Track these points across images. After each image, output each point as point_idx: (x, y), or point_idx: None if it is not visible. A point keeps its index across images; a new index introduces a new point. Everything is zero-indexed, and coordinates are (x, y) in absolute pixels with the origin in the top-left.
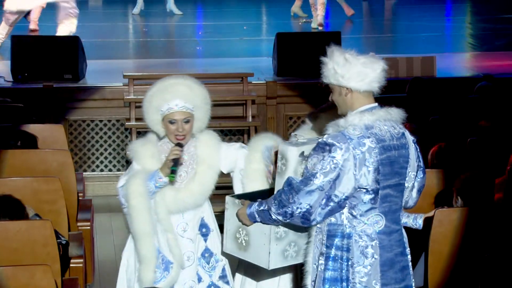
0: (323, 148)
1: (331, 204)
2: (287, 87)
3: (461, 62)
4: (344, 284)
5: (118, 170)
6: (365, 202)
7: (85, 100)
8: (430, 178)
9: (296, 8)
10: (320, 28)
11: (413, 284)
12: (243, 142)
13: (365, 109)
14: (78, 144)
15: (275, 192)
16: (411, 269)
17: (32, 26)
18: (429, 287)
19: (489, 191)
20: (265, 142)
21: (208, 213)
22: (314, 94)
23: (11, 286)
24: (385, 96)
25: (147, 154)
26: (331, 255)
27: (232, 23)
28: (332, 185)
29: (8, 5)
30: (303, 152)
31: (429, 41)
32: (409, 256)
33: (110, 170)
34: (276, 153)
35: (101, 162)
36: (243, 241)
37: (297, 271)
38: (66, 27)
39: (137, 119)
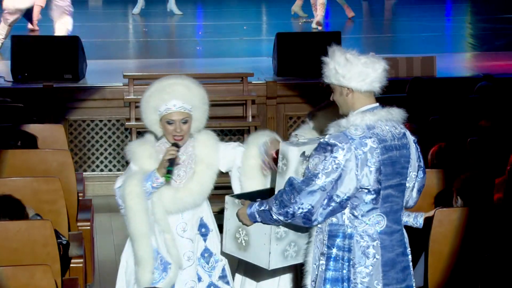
0: (324, 148)
1: (333, 204)
2: (287, 87)
3: (461, 62)
4: (345, 284)
5: (118, 170)
6: (366, 202)
7: (85, 100)
8: (430, 178)
9: (296, 7)
10: (319, 28)
11: (414, 284)
12: (243, 142)
13: (366, 109)
14: (78, 144)
15: (276, 192)
16: (411, 269)
17: (30, 25)
18: (429, 287)
19: (489, 191)
20: (261, 138)
21: (207, 213)
22: (314, 94)
23: (11, 286)
24: (385, 96)
25: (145, 154)
26: (332, 255)
27: (232, 23)
28: (334, 185)
29: (6, 4)
30: (304, 152)
31: (429, 41)
32: (410, 256)
33: (110, 170)
34: (273, 153)
35: (101, 162)
36: (243, 241)
37: (297, 271)
38: (64, 26)
39: (137, 119)
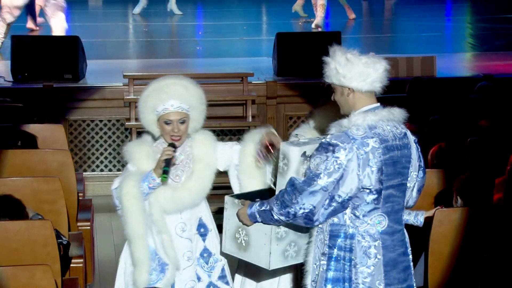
0: (326, 148)
1: (334, 204)
2: (287, 87)
3: (461, 62)
4: (347, 284)
5: (118, 170)
6: (368, 203)
7: (85, 100)
8: (430, 178)
9: (298, 6)
10: (319, 29)
11: (415, 284)
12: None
13: (368, 109)
14: (78, 144)
15: (276, 192)
16: (412, 269)
17: (30, 25)
18: (429, 287)
19: (489, 191)
20: (258, 136)
21: (206, 213)
22: (314, 94)
23: (11, 286)
24: (385, 96)
25: (142, 154)
26: (334, 256)
27: (232, 23)
28: (335, 186)
29: (4, 2)
30: (305, 152)
31: (429, 41)
32: (410, 256)
33: (110, 170)
34: (266, 141)
35: (101, 162)
36: (243, 241)
37: (297, 271)
38: (60, 23)
39: (137, 119)
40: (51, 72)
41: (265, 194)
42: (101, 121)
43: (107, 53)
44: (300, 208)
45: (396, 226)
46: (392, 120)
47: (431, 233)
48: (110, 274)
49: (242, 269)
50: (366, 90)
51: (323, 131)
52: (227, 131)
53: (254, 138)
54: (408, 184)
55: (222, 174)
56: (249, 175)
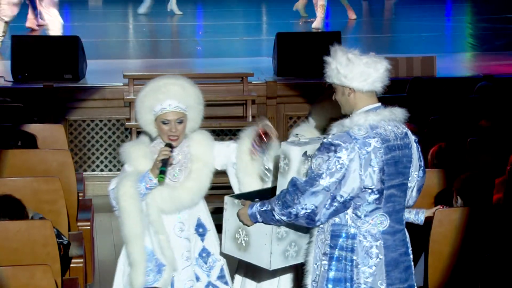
0: (328, 148)
1: (336, 204)
2: (287, 87)
3: (461, 62)
4: (348, 284)
5: (118, 170)
6: (370, 202)
7: (85, 100)
8: (430, 178)
9: (300, 5)
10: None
11: (415, 284)
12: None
13: (369, 109)
14: (78, 144)
15: (277, 192)
16: (413, 269)
17: (29, 24)
18: (429, 287)
19: (489, 191)
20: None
21: (204, 213)
22: (314, 94)
23: (11, 286)
24: (385, 96)
25: (139, 154)
26: (335, 256)
27: (232, 23)
28: (337, 186)
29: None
30: (305, 152)
31: (429, 41)
32: (411, 256)
33: (110, 170)
34: (260, 131)
35: (101, 162)
36: (243, 242)
37: (297, 271)
38: (56, 19)
39: None
40: (51, 72)
41: (265, 194)
42: (101, 121)
43: (107, 53)
44: (302, 208)
45: (398, 226)
46: (393, 120)
47: (431, 233)
48: (110, 274)
49: (242, 269)
50: (367, 90)
51: (322, 128)
52: (227, 131)
53: (250, 135)
54: (409, 184)
55: (221, 174)
56: (247, 172)
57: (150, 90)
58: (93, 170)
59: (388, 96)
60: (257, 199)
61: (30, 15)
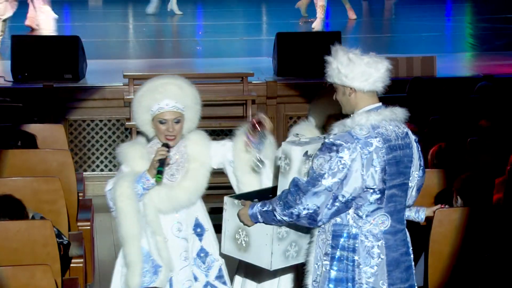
0: (330, 148)
1: (337, 204)
2: (287, 87)
3: (461, 62)
4: (350, 284)
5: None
6: (371, 202)
7: (85, 100)
8: (430, 178)
9: (302, 5)
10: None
11: (416, 284)
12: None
13: (370, 109)
14: (78, 144)
15: (278, 192)
16: (414, 268)
17: (28, 22)
18: (429, 287)
19: (489, 191)
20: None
21: (202, 213)
22: (314, 94)
23: (11, 286)
24: (385, 96)
25: (136, 155)
26: (337, 256)
27: (232, 23)
28: (339, 186)
29: None
30: (306, 152)
31: (429, 41)
32: (412, 256)
33: (110, 170)
34: (253, 120)
35: (101, 162)
36: (243, 242)
37: (298, 271)
38: (48, 16)
39: None
40: (51, 72)
41: (264, 194)
42: (101, 121)
43: (107, 53)
44: (304, 209)
45: (399, 226)
46: (394, 120)
47: (431, 233)
48: (110, 274)
49: (242, 270)
50: (368, 90)
51: (320, 126)
52: (227, 131)
53: (244, 130)
54: (409, 184)
55: (220, 174)
56: (245, 170)
57: (147, 90)
58: (93, 170)
59: (388, 96)
60: (256, 200)
61: (30, 14)
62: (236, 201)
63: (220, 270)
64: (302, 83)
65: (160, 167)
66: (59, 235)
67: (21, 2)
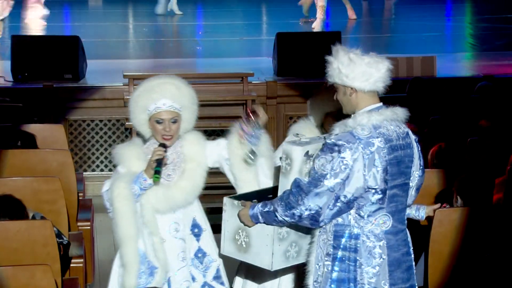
0: (332, 148)
1: (339, 204)
2: (287, 87)
3: (461, 62)
4: (352, 284)
5: None
6: (373, 203)
7: (85, 100)
8: (430, 178)
9: (305, 2)
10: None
11: (416, 284)
12: None
13: (371, 109)
14: (78, 144)
15: (279, 192)
16: (414, 268)
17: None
18: (429, 287)
19: (489, 191)
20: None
21: (199, 213)
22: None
23: (11, 286)
24: (385, 96)
25: (132, 155)
26: (338, 256)
27: (232, 23)
28: (341, 186)
29: None
30: (307, 152)
31: (429, 41)
32: (412, 256)
33: (110, 170)
34: (248, 109)
35: (101, 162)
36: (243, 243)
37: (298, 272)
38: (38, 11)
39: None
40: (51, 72)
41: (264, 194)
42: (101, 121)
43: (107, 53)
44: (306, 210)
45: (400, 226)
46: (395, 120)
47: (431, 233)
48: (110, 274)
49: (242, 271)
50: (368, 90)
51: (319, 123)
52: (227, 131)
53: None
54: (410, 184)
55: (219, 174)
56: (240, 167)
57: (144, 90)
58: (93, 170)
59: (388, 96)
60: (255, 200)
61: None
62: (236, 201)
63: (218, 270)
64: (302, 83)
65: (157, 167)
66: (59, 235)
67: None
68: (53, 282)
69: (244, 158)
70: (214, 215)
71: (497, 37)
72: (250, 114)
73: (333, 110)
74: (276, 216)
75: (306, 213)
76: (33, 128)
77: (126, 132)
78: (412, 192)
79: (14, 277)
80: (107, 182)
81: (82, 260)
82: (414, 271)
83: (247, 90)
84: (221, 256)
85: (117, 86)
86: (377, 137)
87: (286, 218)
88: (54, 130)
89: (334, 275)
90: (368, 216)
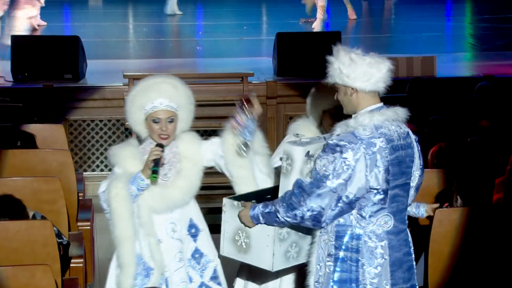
0: (333, 149)
1: (341, 205)
2: (287, 87)
3: (461, 62)
4: (354, 285)
5: None
6: (374, 203)
7: (85, 100)
8: (430, 178)
9: (309, 3)
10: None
11: (417, 284)
12: None
13: (372, 109)
14: (78, 144)
15: (280, 192)
16: (415, 268)
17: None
18: (429, 287)
19: (489, 191)
20: None
21: (196, 214)
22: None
23: (11, 286)
24: (385, 96)
25: (128, 155)
26: (340, 256)
27: (232, 23)
28: (343, 186)
29: None
30: (308, 152)
31: (429, 41)
32: (413, 256)
33: (110, 170)
34: (242, 98)
35: (101, 162)
36: (243, 244)
37: (299, 272)
38: (27, 11)
39: None
40: (51, 72)
41: (263, 195)
42: (101, 121)
43: (107, 53)
44: (308, 210)
45: (401, 226)
46: (396, 120)
47: (431, 233)
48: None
49: (243, 272)
50: (369, 90)
51: (317, 121)
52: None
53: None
54: (411, 184)
55: (219, 174)
56: (235, 163)
57: (141, 89)
58: (93, 170)
59: (388, 96)
60: (254, 200)
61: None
62: (235, 202)
63: (215, 271)
64: (302, 83)
65: (155, 167)
66: (59, 235)
67: None
68: (53, 282)
69: (236, 149)
70: (213, 215)
71: (497, 37)
72: (245, 104)
73: (330, 108)
74: (278, 217)
75: (308, 214)
76: (33, 128)
77: (126, 132)
78: (411, 192)
79: (14, 277)
80: (103, 183)
81: (82, 260)
82: (415, 270)
83: (247, 90)
84: (220, 257)
85: (117, 86)
86: (379, 137)
87: (288, 219)
88: (54, 130)
89: (336, 275)
90: (370, 216)
